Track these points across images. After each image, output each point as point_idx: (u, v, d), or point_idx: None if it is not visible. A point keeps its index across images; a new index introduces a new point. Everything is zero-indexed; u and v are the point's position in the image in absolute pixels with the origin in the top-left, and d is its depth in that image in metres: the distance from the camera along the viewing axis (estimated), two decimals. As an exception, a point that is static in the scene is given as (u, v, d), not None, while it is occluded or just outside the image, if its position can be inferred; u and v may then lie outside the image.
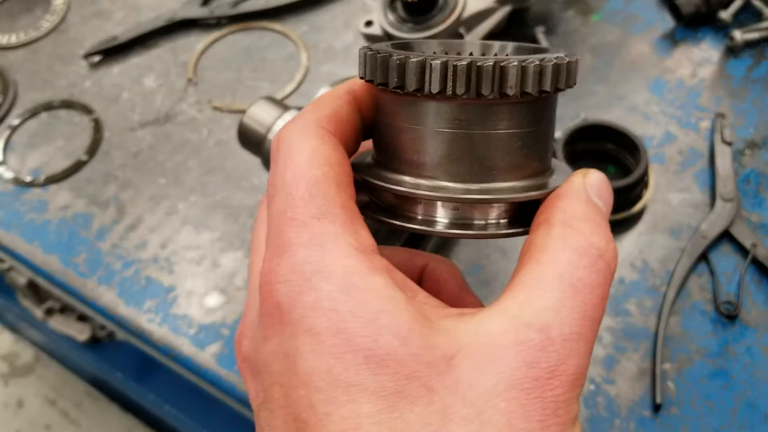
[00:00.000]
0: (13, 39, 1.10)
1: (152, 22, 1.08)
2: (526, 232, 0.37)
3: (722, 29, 0.99)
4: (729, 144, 0.87)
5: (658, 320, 0.76)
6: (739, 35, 0.95)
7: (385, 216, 0.37)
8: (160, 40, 1.08)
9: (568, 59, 0.34)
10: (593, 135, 0.86)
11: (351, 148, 0.39)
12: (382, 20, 0.93)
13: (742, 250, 0.80)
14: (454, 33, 0.91)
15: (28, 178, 0.94)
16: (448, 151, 0.35)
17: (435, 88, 0.32)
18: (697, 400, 0.71)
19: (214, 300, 0.82)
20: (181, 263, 0.85)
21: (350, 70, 1.01)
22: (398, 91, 0.34)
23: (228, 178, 0.92)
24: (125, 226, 0.89)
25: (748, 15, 1.00)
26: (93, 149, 0.96)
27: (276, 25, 1.07)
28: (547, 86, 0.33)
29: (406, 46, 0.40)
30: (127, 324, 0.81)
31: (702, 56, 0.97)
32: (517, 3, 0.94)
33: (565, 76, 0.34)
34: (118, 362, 1.37)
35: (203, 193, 0.91)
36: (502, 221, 0.37)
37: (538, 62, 0.33)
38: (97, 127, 0.98)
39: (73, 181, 0.94)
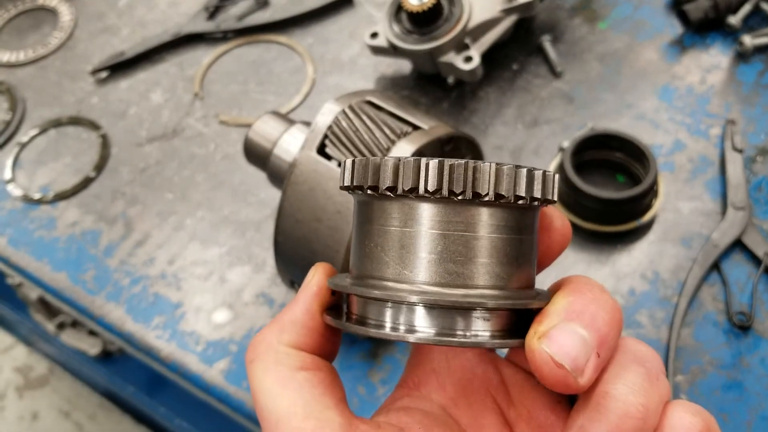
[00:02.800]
0: (22, 56, 1.11)
1: (159, 37, 1.08)
2: (520, 344, 0.34)
3: (731, 34, 0.98)
4: (740, 151, 0.86)
5: (670, 331, 0.75)
6: (748, 40, 0.94)
7: (359, 325, 0.36)
8: (167, 54, 1.08)
9: (552, 173, 0.35)
10: (601, 144, 0.85)
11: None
12: (387, 32, 0.92)
13: (755, 259, 0.79)
14: (460, 43, 0.91)
15: (36, 195, 0.95)
16: (434, 254, 0.34)
17: (432, 187, 0.33)
18: (711, 412, 0.70)
19: (221, 316, 0.81)
20: (189, 279, 0.85)
21: (356, 81, 1.01)
22: (389, 193, 0.34)
23: (235, 192, 0.92)
24: (133, 242, 0.89)
25: (757, 19, 0.98)
26: (101, 165, 0.96)
27: (282, 38, 1.07)
28: (522, 191, 0.34)
29: None
30: (135, 341, 0.81)
31: (711, 62, 0.96)
32: (523, 12, 0.93)
33: (551, 186, 0.35)
34: (130, 376, 1.37)
35: (210, 208, 0.91)
36: (486, 332, 0.35)
37: (513, 166, 0.33)
38: (105, 143, 0.99)
39: (81, 198, 0.94)
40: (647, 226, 0.82)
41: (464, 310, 0.34)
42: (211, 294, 0.83)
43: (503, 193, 0.33)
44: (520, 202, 0.34)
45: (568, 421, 0.34)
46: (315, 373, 0.36)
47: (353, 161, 0.36)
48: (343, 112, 0.69)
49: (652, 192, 0.81)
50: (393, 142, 0.66)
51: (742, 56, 0.95)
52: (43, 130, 1.02)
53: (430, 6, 0.87)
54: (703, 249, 0.79)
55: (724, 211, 0.82)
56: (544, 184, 0.34)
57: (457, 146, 0.72)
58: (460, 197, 0.33)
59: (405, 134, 0.67)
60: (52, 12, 1.17)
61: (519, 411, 0.39)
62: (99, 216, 0.92)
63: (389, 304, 0.35)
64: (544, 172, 0.34)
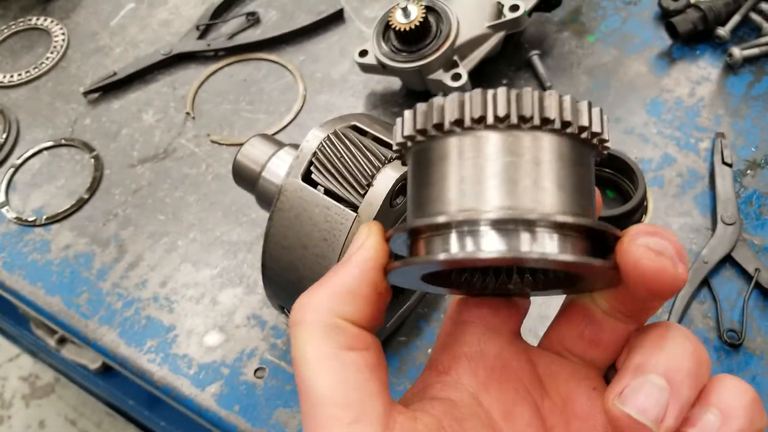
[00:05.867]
0: (15, 77, 1.12)
1: (150, 57, 1.09)
2: (599, 265, 0.33)
3: (720, 46, 0.97)
4: (729, 165, 0.86)
5: (659, 350, 0.75)
6: (737, 52, 0.94)
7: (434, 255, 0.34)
8: (159, 74, 1.09)
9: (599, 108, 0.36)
10: (590, 161, 0.85)
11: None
12: (375, 50, 0.93)
13: (745, 275, 0.79)
14: (448, 60, 0.91)
15: (30, 218, 0.95)
16: (494, 180, 0.33)
17: (501, 112, 0.33)
18: (700, 432, 0.70)
19: (213, 339, 0.82)
20: (181, 301, 0.85)
21: (346, 99, 1.01)
22: (455, 128, 0.34)
23: (226, 212, 0.92)
24: (125, 265, 0.89)
25: (746, 30, 0.98)
26: (94, 187, 0.97)
27: (273, 56, 1.08)
28: (585, 121, 0.34)
29: None
30: (128, 364, 0.82)
31: (700, 74, 0.95)
32: (511, 28, 0.93)
33: (607, 128, 0.36)
34: (130, 390, 1.38)
35: (202, 229, 0.91)
36: (560, 251, 0.33)
37: (575, 100, 0.35)
38: (98, 165, 0.99)
39: (74, 220, 0.95)
40: (637, 243, 0.82)
41: (535, 228, 0.33)
42: (203, 316, 0.84)
43: (569, 120, 0.34)
44: (584, 134, 0.34)
45: (623, 364, 0.34)
46: (362, 354, 0.35)
47: (414, 110, 0.36)
48: (328, 138, 0.69)
49: (641, 208, 0.81)
50: (378, 169, 0.66)
51: (732, 68, 0.95)
52: (37, 152, 1.03)
53: (418, 24, 0.87)
54: (692, 265, 0.79)
55: (713, 226, 0.82)
56: (602, 121, 0.35)
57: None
58: (527, 125, 0.33)
59: (390, 160, 0.67)
60: (45, 32, 1.18)
61: (553, 401, 0.38)
62: (92, 239, 0.92)
63: (453, 233, 0.33)
64: (600, 110, 0.35)
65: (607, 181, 0.86)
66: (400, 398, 0.39)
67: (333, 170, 0.67)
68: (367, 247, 0.36)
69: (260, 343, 0.81)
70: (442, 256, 0.33)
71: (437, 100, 0.35)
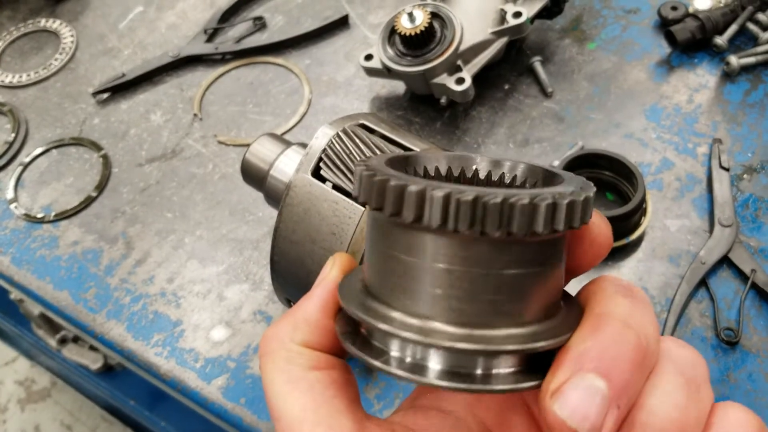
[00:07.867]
0: (24, 78, 1.13)
1: (159, 59, 1.10)
2: (537, 386, 0.31)
3: (718, 54, 1.00)
4: (727, 169, 0.88)
5: (658, 348, 0.76)
6: (735, 60, 0.96)
7: (366, 353, 0.33)
8: (167, 76, 1.11)
9: (584, 194, 0.31)
10: (590, 163, 0.87)
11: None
12: (381, 54, 0.95)
13: (742, 276, 0.81)
14: (452, 65, 0.93)
15: (39, 215, 0.97)
16: (445, 290, 0.31)
17: (435, 223, 0.29)
18: (698, 428, 0.72)
19: (219, 333, 0.83)
20: (188, 297, 0.87)
21: (351, 102, 1.03)
22: (394, 219, 0.31)
23: (233, 211, 0.94)
24: (133, 261, 0.90)
25: (743, 39, 1.01)
26: (102, 185, 0.98)
27: (279, 60, 1.10)
28: (560, 226, 0.30)
29: (409, 160, 0.37)
30: (135, 358, 0.83)
31: (698, 82, 0.98)
32: (513, 34, 0.95)
33: (580, 213, 0.31)
34: (131, 390, 1.39)
35: (209, 227, 0.92)
36: (505, 372, 0.32)
37: (551, 200, 0.29)
38: (106, 164, 1.01)
39: (82, 217, 0.96)
40: (636, 244, 0.84)
41: (480, 357, 0.31)
42: (210, 312, 0.85)
43: (540, 231, 0.29)
44: (539, 238, 0.30)
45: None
46: (328, 372, 0.35)
47: (361, 176, 0.32)
48: (338, 135, 0.71)
49: (640, 210, 0.83)
50: (385, 165, 0.68)
51: (729, 76, 0.98)
52: (46, 151, 1.04)
53: (423, 29, 0.89)
54: (690, 266, 0.81)
55: (711, 228, 0.84)
56: (570, 215, 0.30)
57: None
58: (468, 233, 0.29)
59: (397, 157, 0.68)
60: (53, 34, 1.20)
61: None
62: (100, 235, 0.94)
63: (396, 341, 0.33)
64: (571, 201, 0.30)
65: (607, 184, 0.88)
66: (396, 408, 0.40)
67: (342, 166, 0.69)
68: (328, 280, 0.37)
69: (266, 338, 0.82)
70: (377, 364, 0.32)
71: (378, 182, 0.30)
